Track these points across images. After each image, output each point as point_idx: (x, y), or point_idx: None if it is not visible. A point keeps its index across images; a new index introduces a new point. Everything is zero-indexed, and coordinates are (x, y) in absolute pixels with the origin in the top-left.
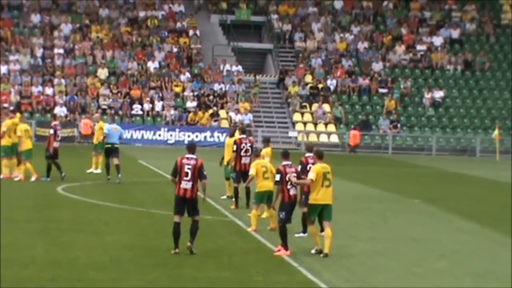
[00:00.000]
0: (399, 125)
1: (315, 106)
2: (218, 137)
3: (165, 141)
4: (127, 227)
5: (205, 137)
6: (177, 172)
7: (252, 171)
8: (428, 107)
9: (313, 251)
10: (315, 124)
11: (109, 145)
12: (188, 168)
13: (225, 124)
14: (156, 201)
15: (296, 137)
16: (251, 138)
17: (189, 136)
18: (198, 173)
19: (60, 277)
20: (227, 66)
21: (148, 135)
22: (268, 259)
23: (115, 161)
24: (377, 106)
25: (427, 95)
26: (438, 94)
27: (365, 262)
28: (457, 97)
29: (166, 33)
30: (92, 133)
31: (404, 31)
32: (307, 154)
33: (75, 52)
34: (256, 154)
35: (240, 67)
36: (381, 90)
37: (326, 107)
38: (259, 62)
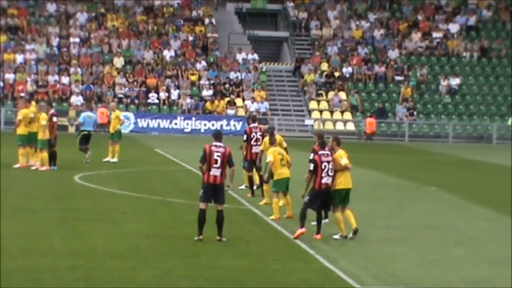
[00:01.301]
0: (415, 113)
1: (331, 94)
2: (234, 125)
3: (182, 130)
4: (145, 216)
5: (221, 125)
6: (206, 159)
7: (270, 158)
8: (444, 94)
9: (337, 236)
10: (331, 112)
11: (86, 132)
12: (218, 156)
13: (241, 112)
14: (173, 190)
15: (312, 125)
16: (261, 127)
17: (205, 124)
18: (227, 160)
19: (78, 266)
20: (243, 55)
21: (165, 123)
22: (285, 247)
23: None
24: (393, 94)
25: (444, 83)
26: (455, 81)
27: (382, 249)
28: (473, 84)
29: (182, 22)
30: (109, 122)
31: (420, 18)
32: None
33: (91, 41)
34: (272, 141)
35: (256, 56)
36: (397, 78)
37: (342, 95)
38: (275, 50)
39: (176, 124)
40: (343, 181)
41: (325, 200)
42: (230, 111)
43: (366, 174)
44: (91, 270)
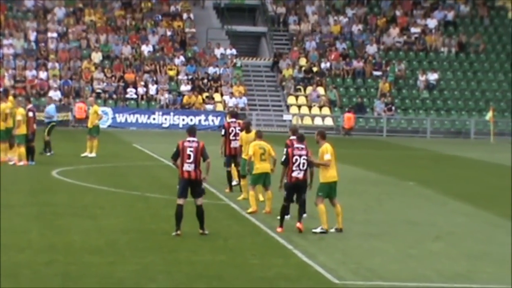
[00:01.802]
0: (393, 108)
1: (309, 89)
2: (212, 120)
3: (160, 125)
4: (123, 211)
5: (199, 120)
6: (178, 155)
7: (250, 152)
8: (422, 89)
9: (317, 230)
10: (310, 107)
11: (54, 123)
12: (190, 151)
13: (220, 107)
14: (151, 185)
15: (290, 120)
16: (240, 122)
17: (183, 119)
18: (201, 155)
19: (56, 261)
20: (221, 50)
21: (143, 119)
22: (264, 242)
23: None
24: (371, 89)
25: (422, 78)
26: (433, 76)
27: (361, 244)
28: (451, 80)
29: (160, 17)
30: (87, 117)
31: (398, 13)
32: (292, 137)
33: (68, 36)
34: (259, 135)
35: (234, 51)
36: (376, 73)
37: (321, 90)
38: (253, 46)
39: (154, 119)
40: (328, 174)
41: (298, 193)
42: (209, 106)
43: (344, 169)
44: (69, 265)
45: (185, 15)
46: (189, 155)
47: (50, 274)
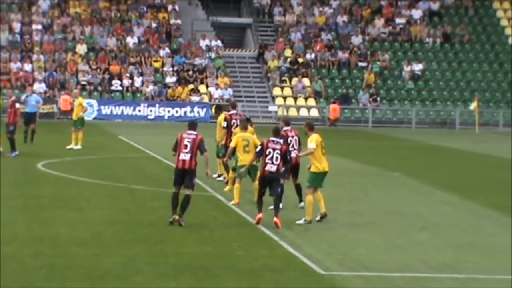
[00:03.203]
0: (378, 99)
1: (294, 80)
2: (198, 112)
3: (145, 117)
4: (108, 203)
5: (185, 112)
6: (177, 146)
7: (232, 143)
8: (407, 80)
9: (300, 222)
10: (295, 98)
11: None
12: (188, 141)
13: (205, 99)
14: (136, 177)
15: (276, 112)
16: (241, 113)
17: (169, 111)
18: (198, 147)
19: (42, 253)
20: (206, 41)
21: (128, 110)
22: (250, 234)
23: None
24: (356, 80)
25: (407, 68)
26: (418, 67)
27: (346, 235)
28: (436, 70)
29: (145, 8)
30: (72, 109)
31: (383, 4)
32: (285, 128)
33: (53, 28)
34: (243, 126)
35: (219, 42)
36: (361, 64)
37: (306, 81)
38: (239, 37)
39: (139, 111)
40: (324, 165)
41: (270, 186)
42: (194, 98)
43: (330, 160)
44: (55, 258)
45: (170, 7)
46: (186, 145)
47: (36, 266)
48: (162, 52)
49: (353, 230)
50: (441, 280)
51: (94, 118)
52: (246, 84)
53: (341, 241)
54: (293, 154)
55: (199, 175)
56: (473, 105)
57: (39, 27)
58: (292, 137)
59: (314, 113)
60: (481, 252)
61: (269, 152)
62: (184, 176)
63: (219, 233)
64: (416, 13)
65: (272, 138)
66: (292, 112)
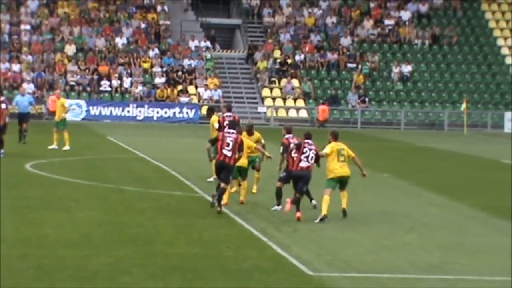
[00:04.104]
0: (367, 100)
1: (284, 81)
2: (187, 113)
3: (134, 118)
4: (97, 204)
5: (174, 113)
6: (217, 141)
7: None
8: (396, 81)
9: (317, 221)
10: (284, 99)
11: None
12: (230, 140)
13: (194, 100)
14: (125, 178)
15: (265, 113)
16: (236, 116)
17: (158, 112)
18: (239, 146)
19: (29, 254)
20: (196, 42)
21: (117, 111)
22: (238, 235)
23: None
24: (345, 81)
25: (396, 70)
26: (406, 68)
27: (335, 236)
28: (425, 71)
29: (134, 9)
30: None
31: (372, 5)
32: (287, 136)
33: (42, 28)
34: (246, 129)
35: (208, 43)
36: (350, 65)
37: (295, 82)
38: (228, 38)
39: (128, 111)
40: (339, 171)
41: (298, 182)
42: (183, 99)
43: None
44: (43, 259)
45: (159, 7)
46: (228, 144)
47: (24, 267)
48: (151, 53)
49: (342, 231)
50: (429, 281)
51: (83, 119)
52: (235, 85)
53: (330, 242)
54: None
55: (188, 176)
56: (462, 107)
57: (28, 27)
58: (294, 143)
59: (303, 114)
60: (469, 253)
61: (306, 151)
62: (222, 169)
63: (207, 234)
64: (405, 15)
65: (306, 140)
66: (281, 113)
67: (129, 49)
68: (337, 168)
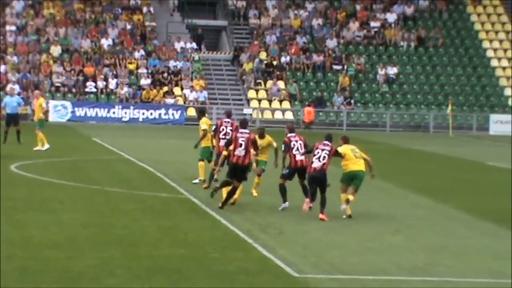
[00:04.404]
0: (353, 102)
1: (269, 83)
2: (173, 114)
3: (120, 119)
4: (82, 205)
5: (159, 114)
6: (231, 143)
7: (225, 152)
8: (382, 83)
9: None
10: (270, 101)
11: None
12: (242, 140)
13: (180, 101)
14: (111, 179)
15: (251, 114)
16: (234, 122)
17: (143, 113)
18: (252, 145)
19: (14, 255)
20: (182, 43)
21: (102, 112)
22: (224, 236)
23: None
24: (331, 83)
25: (381, 72)
26: (392, 70)
27: (320, 238)
28: (410, 74)
29: (120, 10)
30: (47, 111)
31: (358, 7)
32: (289, 134)
33: (27, 29)
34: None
35: (194, 44)
36: (336, 67)
37: (281, 84)
38: (214, 39)
39: (114, 113)
40: (353, 166)
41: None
42: (169, 100)
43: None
44: (27, 260)
45: (145, 9)
46: (241, 144)
47: (9, 269)
48: (137, 54)
49: (327, 233)
50: (413, 283)
51: (68, 120)
52: (221, 87)
53: (315, 244)
54: (299, 157)
55: (174, 178)
56: (448, 109)
57: (13, 28)
58: (296, 141)
59: (289, 115)
60: (454, 255)
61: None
62: (238, 171)
63: (193, 235)
64: (391, 17)
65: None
66: (267, 115)
67: (115, 50)
68: (354, 164)
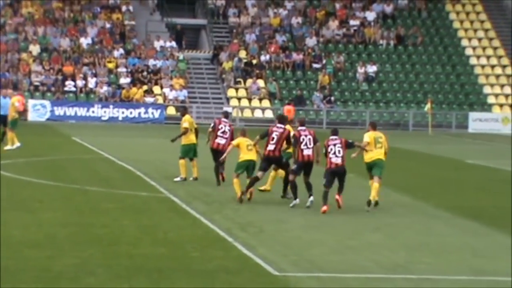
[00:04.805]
0: (333, 100)
1: (249, 81)
2: (152, 113)
3: (99, 118)
4: (62, 204)
5: (139, 113)
6: (266, 136)
7: (234, 143)
8: (361, 82)
9: (368, 208)
10: (250, 100)
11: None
12: (276, 135)
13: (160, 100)
14: (90, 178)
15: (230, 112)
16: (231, 123)
17: (123, 112)
18: (285, 140)
19: None
20: (161, 42)
21: (82, 111)
22: (204, 235)
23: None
24: (311, 81)
25: (361, 70)
26: (371, 68)
27: (300, 236)
28: (390, 72)
29: (99, 9)
30: (25, 110)
31: (337, 6)
32: (299, 128)
33: (6, 28)
34: (242, 134)
35: (174, 43)
36: (315, 65)
37: (260, 82)
38: (193, 38)
39: (93, 112)
40: (374, 155)
41: (339, 177)
42: (149, 99)
43: None
44: (7, 259)
45: (124, 8)
46: (273, 138)
47: None
48: (116, 53)
49: (307, 231)
50: (394, 281)
51: (47, 119)
52: (201, 85)
53: (295, 242)
54: (306, 152)
55: (154, 177)
56: (427, 107)
57: None
58: (306, 136)
59: (269, 114)
60: (434, 253)
61: (331, 149)
62: (271, 163)
63: (173, 234)
64: (370, 15)
65: (331, 137)
66: (247, 114)
67: (94, 49)
68: (373, 153)
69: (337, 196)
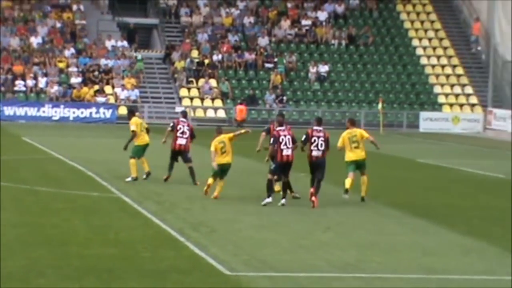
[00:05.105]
0: (285, 100)
1: (201, 81)
2: (104, 113)
3: (50, 118)
4: (11, 205)
5: (90, 113)
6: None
7: (211, 148)
8: (313, 81)
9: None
10: (202, 99)
11: None
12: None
13: (111, 100)
14: (40, 179)
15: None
16: (189, 122)
17: (74, 112)
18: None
19: None
20: (112, 42)
21: (32, 111)
22: (155, 235)
23: None
24: (263, 81)
25: (313, 70)
26: (323, 68)
27: (252, 236)
28: (341, 71)
29: (49, 8)
30: None
31: (289, 5)
32: (278, 128)
33: None
34: (218, 131)
35: (125, 43)
36: (267, 65)
37: (213, 82)
38: (145, 38)
39: (44, 112)
40: (346, 155)
41: (317, 170)
42: (100, 99)
43: (236, 161)
44: None
45: (75, 7)
46: (315, 140)
47: None
48: (67, 53)
49: (259, 231)
50: (345, 280)
51: None
52: (153, 85)
53: (247, 242)
54: (285, 152)
55: (105, 177)
56: (379, 106)
57: None
58: (285, 136)
59: (221, 114)
60: (384, 252)
61: (314, 140)
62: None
63: (124, 234)
64: (322, 15)
65: (315, 127)
66: (199, 113)
67: (44, 49)
68: (351, 154)
69: (313, 198)
